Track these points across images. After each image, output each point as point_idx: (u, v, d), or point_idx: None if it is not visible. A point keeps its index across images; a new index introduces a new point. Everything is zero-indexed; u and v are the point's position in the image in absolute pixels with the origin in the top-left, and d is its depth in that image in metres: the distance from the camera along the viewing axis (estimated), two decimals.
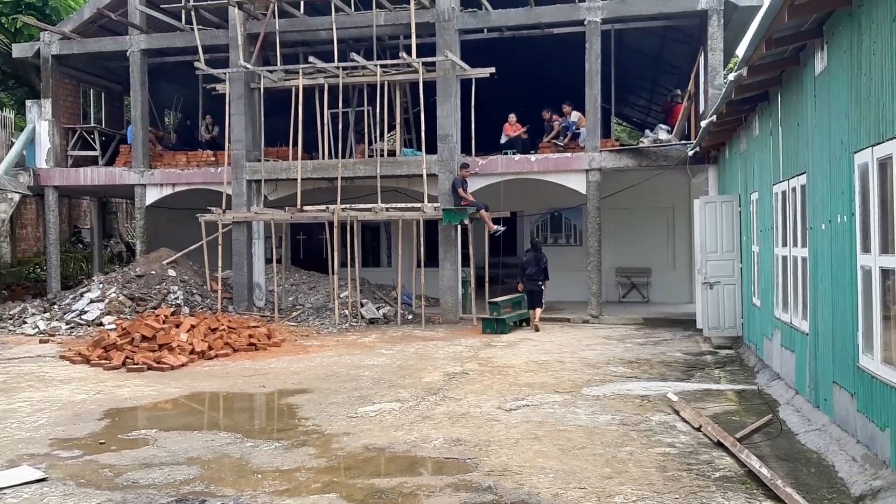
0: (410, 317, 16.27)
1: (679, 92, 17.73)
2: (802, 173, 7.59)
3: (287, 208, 16.53)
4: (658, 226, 19.02)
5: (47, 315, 15.75)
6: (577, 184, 16.06)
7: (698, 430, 7.06)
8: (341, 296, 16.09)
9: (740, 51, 16.38)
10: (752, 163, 10.70)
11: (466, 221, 15.80)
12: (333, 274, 15.92)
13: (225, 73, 16.89)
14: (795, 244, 8.04)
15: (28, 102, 19.30)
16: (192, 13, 16.68)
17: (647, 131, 16.82)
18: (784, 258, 8.63)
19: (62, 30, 18.44)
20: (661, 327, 15.12)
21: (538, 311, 14.77)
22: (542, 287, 14.79)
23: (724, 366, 10.86)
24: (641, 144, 16.15)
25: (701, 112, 15.33)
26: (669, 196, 18.42)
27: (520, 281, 14.97)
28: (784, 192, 8.49)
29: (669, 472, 5.88)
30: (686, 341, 13.27)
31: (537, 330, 14.49)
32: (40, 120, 18.64)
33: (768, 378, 9.25)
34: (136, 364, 10.95)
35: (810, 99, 7.20)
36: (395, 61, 16.19)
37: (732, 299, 12.43)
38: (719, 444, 6.50)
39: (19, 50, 19.02)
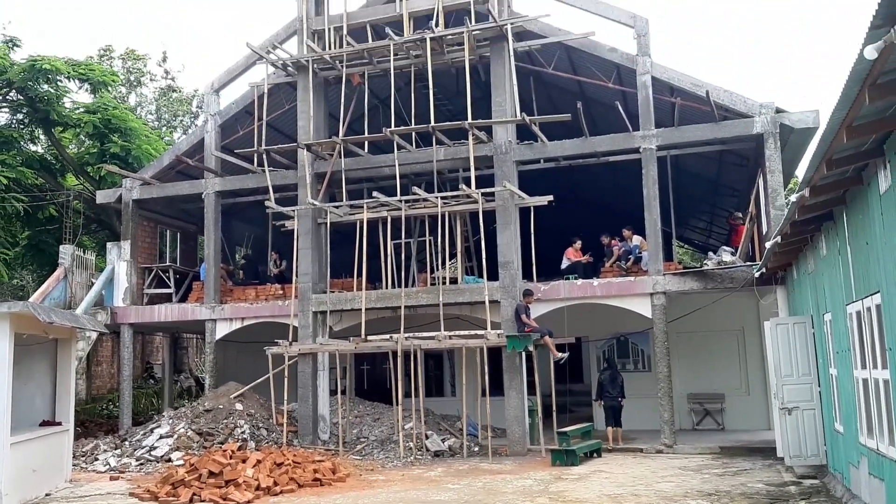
0: (476, 448, 15.92)
1: (740, 214, 17.68)
2: (876, 292, 7.39)
3: (351, 339, 16.69)
4: (729, 349, 18.50)
5: (118, 451, 15.93)
6: (642, 308, 15.88)
7: None
8: (405, 427, 15.91)
9: (800, 171, 16.41)
10: (822, 283, 10.47)
11: (531, 348, 15.66)
12: (397, 405, 15.81)
13: (293, 211, 17.58)
14: (875, 366, 7.72)
15: (109, 244, 20.35)
16: (264, 156, 17.61)
17: (711, 253, 16.70)
18: (864, 381, 8.27)
19: (143, 176, 19.63)
20: (738, 456, 14.43)
21: (619, 430, 14.46)
22: (621, 403, 14.63)
23: (810, 497, 10.24)
24: (706, 267, 15.99)
25: (764, 233, 15.20)
26: (738, 318, 18.01)
27: (597, 399, 14.92)
28: (858, 313, 8.24)
29: None
30: (767, 471, 12.60)
31: (612, 449, 14.11)
32: (119, 261, 19.57)
33: None
34: (203, 501, 10.90)
35: (877, 217, 7.10)
36: (455, 193, 16.64)
37: (813, 425, 11.86)
38: None
39: (103, 196, 20.25)
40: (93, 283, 19.76)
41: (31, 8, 55.95)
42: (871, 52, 4.79)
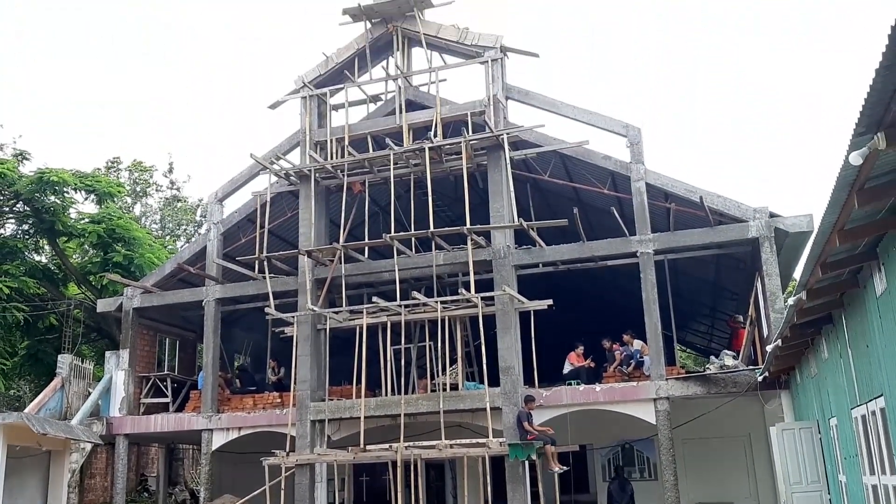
0: None
1: (741, 317, 17.67)
2: (879, 396, 7.30)
3: (350, 448, 16.34)
4: (736, 456, 18.09)
5: None
6: (646, 414, 15.63)
7: None
8: None
9: (797, 273, 16.49)
10: (826, 386, 10.36)
11: (534, 457, 15.31)
12: None
13: (293, 317, 17.57)
14: (884, 472, 7.54)
15: (107, 353, 20.23)
16: (265, 263, 17.76)
17: (713, 357, 16.58)
18: (874, 487, 8.06)
19: (144, 284, 19.73)
20: None
21: None
22: None
23: None
24: (708, 371, 15.84)
25: (765, 336, 15.14)
26: (744, 424, 17.69)
27: None
28: (864, 417, 8.12)
29: None
30: None
31: None
32: (117, 370, 19.41)
33: None
34: None
35: (875, 320, 7.10)
36: (454, 297, 16.67)
37: None
38: None
39: (103, 305, 20.28)
40: (90, 393, 19.53)
41: (43, 119, 57.74)
42: (856, 158, 4.92)
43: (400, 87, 18.23)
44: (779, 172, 62.70)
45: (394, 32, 18.47)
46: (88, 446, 17.99)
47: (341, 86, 18.69)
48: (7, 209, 23.07)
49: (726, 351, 16.21)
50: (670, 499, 15.05)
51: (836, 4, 62.48)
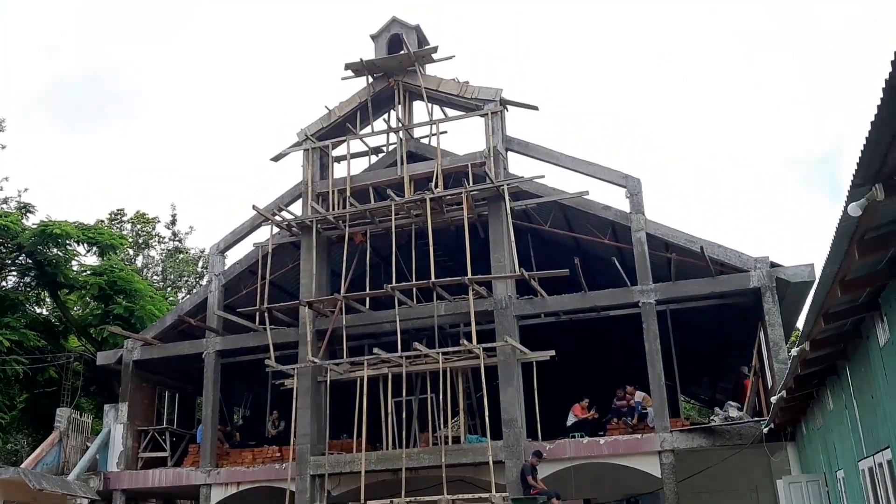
0: None
1: (745, 369, 17.53)
2: (886, 448, 7.19)
3: None
4: None
5: None
6: (651, 467, 15.39)
7: None
8: None
9: (800, 323, 16.41)
10: (832, 438, 10.22)
11: None
12: None
13: (294, 369, 17.45)
14: None
15: (106, 407, 20.04)
16: (266, 314, 17.71)
17: (717, 409, 16.39)
18: None
19: (145, 336, 19.65)
20: None
21: None
22: None
23: None
24: (713, 423, 15.64)
25: (769, 387, 14.99)
26: (751, 476, 17.40)
27: None
28: (871, 469, 7.99)
29: None
30: None
31: None
32: (116, 423, 19.21)
33: None
34: None
35: (879, 371, 7.04)
36: (456, 348, 16.57)
37: None
38: None
39: (103, 358, 20.16)
40: (88, 447, 19.29)
41: (48, 171, 58.21)
42: (855, 210, 4.93)
43: (401, 140, 18.44)
44: (779, 222, 62.95)
45: (395, 86, 18.75)
46: (85, 502, 17.69)
47: (343, 138, 18.90)
48: (10, 262, 23.13)
49: (730, 403, 16.04)
50: None
51: (835, 62, 63.49)
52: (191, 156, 67.22)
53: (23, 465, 17.31)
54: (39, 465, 18.18)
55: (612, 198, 17.56)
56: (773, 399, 11.68)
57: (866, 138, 4.41)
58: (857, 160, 4.64)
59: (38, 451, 18.97)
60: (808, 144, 67.52)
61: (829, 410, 9.99)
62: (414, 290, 17.29)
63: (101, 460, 19.07)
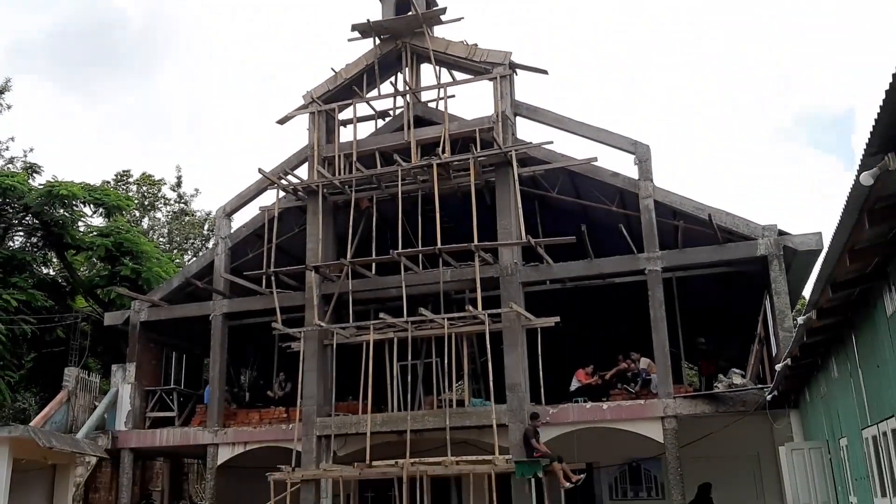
0: None
1: (703, 340, 17.66)
2: (891, 416, 7.23)
3: (356, 464, 16.26)
4: (745, 475, 17.89)
5: None
6: (653, 432, 15.52)
7: None
8: None
9: (807, 291, 16.42)
10: (836, 406, 10.27)
11: (540, 475, 15.20)
12: None
13: (300, 332, 17.55)
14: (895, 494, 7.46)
15: (114, 367, 20.23)
16: (273, 278, 17.76)
17: (721, 376, 16.48)
18: None
19: (151, 298, 19.76)
20: None
21: None
22: None
23: None
24: (716, 390, 15.73)
25: (774, 355, 15.04)
26: (753, 443, 17.52)
27: None
28: (874, 437, 8.04)
29: None
30: None
31: None
32: (123, 383, 19.41)
33: None
34: None
35: (886, 340, 7.05)
36: (461, 314, 16.62)
37: None
38: None
39: (111, 318, 20.31)
40: (96, 407, 19.51)
41: (55, 132, 58.11)
42: (867, 179, 4.90)
43: (408, 103, 18.30)
44: (788, 190, 62.63)
45: (402, 49, 18.55)
46: (93, 460, 17.94)
47: (350, 101, 18.77)
48: (16, 222, 23.17)
49: (735, 370, 16.12)
50: None
51: (849, 26, 62.61)
52: (196, 118, 66.97)
53: (32, 424, 17.53)
54: (48, 424, 18.41)
55: (621, 165, 17.49)
56: (778, 367, 11.73)
57: (881, 106, 4.36)
58: (871, 128, 4.60)
59: (46, 409, 19.20)
60: (824, 103, 66.81)
61: (834, 378, 10.02)
62: (420, 256, 17.30)
63: (109, 419, 19.30)
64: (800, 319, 8.33)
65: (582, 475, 15.25)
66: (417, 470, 15.48)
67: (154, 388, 19.96)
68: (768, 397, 14.19)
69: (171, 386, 20.41)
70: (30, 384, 25.68)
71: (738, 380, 15.53)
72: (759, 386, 15.13)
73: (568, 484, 15.03)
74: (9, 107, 28.37)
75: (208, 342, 19.29)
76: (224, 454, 18.23)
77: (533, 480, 15.45)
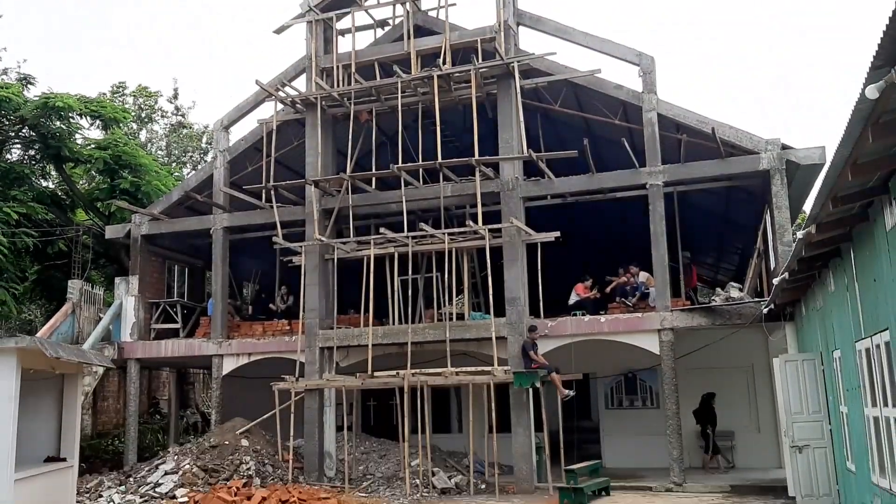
0: (483, 486, 15.75)
1: (689, 254, 17.77)
2: (885, 329, 7.33)
3: (358, 375, 16.62)
4: (738, 386, 18.31)
5: (122, 488, 15.81)
6: (650, 344, 15.79)
7: None
8: (412, 464, 15.76)
9: (808, 206, 16.41)
10: (831, 319, 10.40)
11: (538, 385, 15.55)
12: (404, 442, 15.69)
13: (301, 247, 17.63)
14: (886, 404, 7.63)
15: (117, 279, 20.42)
16: (272, 192, 17.72)
17: (719, 289, 16.64)
18: (875, 419, 8.17)
19: (152, 212, 19.77)
20: (750, 495, 14.23)
21: None
22: None
23: None
24: (713, 303, 15.92)
25: (772, 269, 15.15)
26: (747, 355, 17.86)
27: None
28: (868, 350, 8.17)
29: None
30: None
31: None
32: (127, 296, 19.63)
33: None
34: None
35: (884, 254, 7.08)
36: (462, 229, 16.67)
37: (825, 464, 11.71)
38: None
39: (112, 231, 20.38)
40: (100, 318, 19.80)
41: (47, 42, 56.93)
42: (872, 92, 4.83)
43: (408, 12, 17.85)
44: (791, 105, 61.70)
45: None
46: (101, 370, 18.33)
47: (348, 10, 18.30)
48: (13, 134, 22.94)
49: (732, 283, 16.28)
50: (671, 427, 15.33)
51: None
52: (191, 28, 65.44)
53: (38, 335, 17.82)
54: (54, 335, 18.73)
55: (625, 79, 17.18)
56: (775, 280, 11.83)
57: (889, 19, 4.26)
58: (879, 41, 4.50)
59: (52, 321, 19.50)
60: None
61: (831, 292, 10.12)
62: (420, 170, 17.21)
63: (114, 331, 19.63)
64: (799, 234, 8.34)
65: (572, 391, 15.55)
66: (418, 380, 15.83)
67: (158, 301, 20.21)
68: (765, 310, 14.37)
69: (175, 298, 20.66)
70: (34, 296, 25.96)
71: (735, 293, 15.69)
72: (757, 299, 15.30)
73: (567, 392, 15.39)
74: (1, 15, 27.70)
75: (210, 255, 19.41)
76: (229, 365, 18.61)
77: (531, 390, 15.83)
